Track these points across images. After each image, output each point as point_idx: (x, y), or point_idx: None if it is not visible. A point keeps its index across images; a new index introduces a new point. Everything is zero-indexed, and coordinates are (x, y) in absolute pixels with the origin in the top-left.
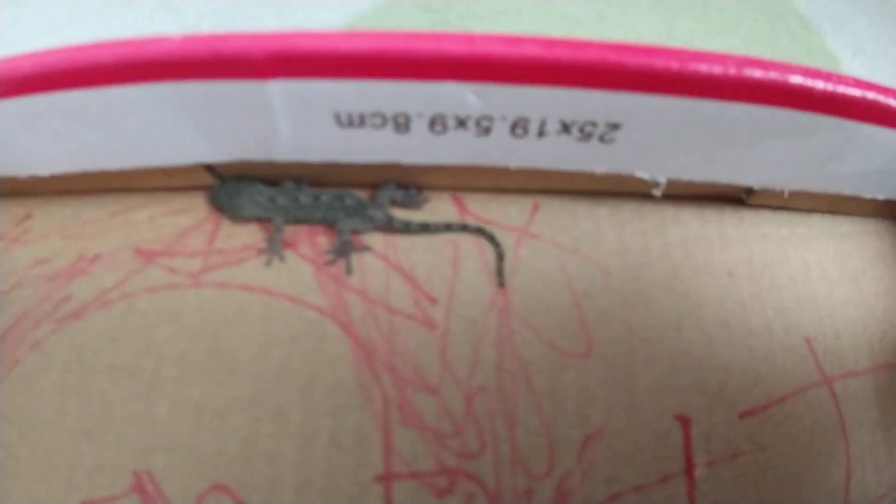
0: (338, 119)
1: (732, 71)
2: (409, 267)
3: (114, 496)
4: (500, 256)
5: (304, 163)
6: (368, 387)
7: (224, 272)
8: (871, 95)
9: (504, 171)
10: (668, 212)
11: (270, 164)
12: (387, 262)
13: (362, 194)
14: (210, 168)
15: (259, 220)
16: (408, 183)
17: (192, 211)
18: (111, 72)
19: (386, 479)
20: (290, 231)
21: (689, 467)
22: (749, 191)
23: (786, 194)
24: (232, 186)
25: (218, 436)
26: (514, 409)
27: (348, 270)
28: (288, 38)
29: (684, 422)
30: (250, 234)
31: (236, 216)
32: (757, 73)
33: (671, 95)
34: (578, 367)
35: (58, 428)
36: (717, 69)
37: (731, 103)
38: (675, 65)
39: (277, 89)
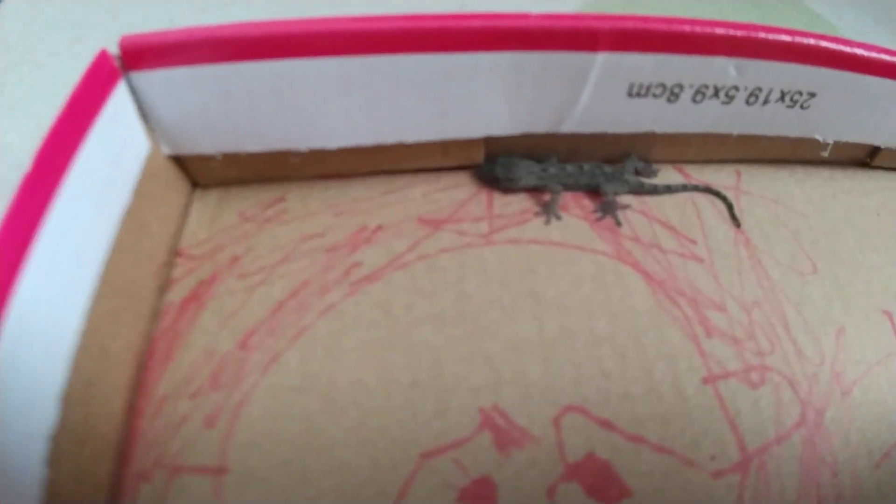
0: (630, 90)
1: (886, 57)
2: (664, 219)
3: (462, 439)
4: (730, 206)
5: (575, 135)
6: (669, 308)
7: (512, 231)
8: None
9: (714, 144)
10: (826, 172)
11: (528, 141)
12: (646, 216)
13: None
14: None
15: (528, 189)
16: (641, 157)
17: (462, 187)
18: (459, 39)
19: (711, 380)
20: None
21: None
22: (872, 154)
23: None
24: (507, 161)
25: (554, 364)
26: (783, 315)
27: (618, 223)
28: (625, 20)
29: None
30: (521, 202)
31: (515, 186)
32: None
33: (850, 71)
34: (812, 282)
35: (376, 383)
36: (876, 54)
37: (884, 79)
38: (860, 51)
39: (602, 60)
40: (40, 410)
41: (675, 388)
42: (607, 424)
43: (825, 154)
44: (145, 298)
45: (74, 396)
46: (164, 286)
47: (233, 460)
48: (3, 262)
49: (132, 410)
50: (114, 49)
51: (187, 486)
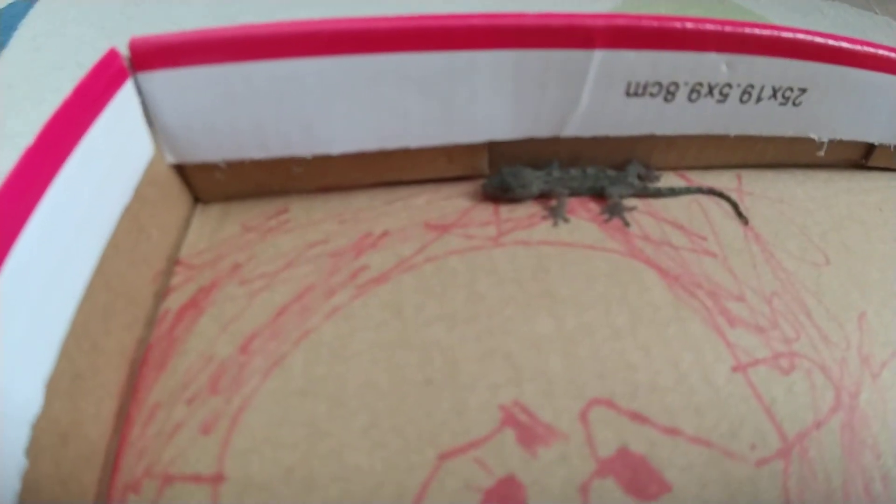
0: (627, 89)
1: (871, 49)
2: (672, 218)
3: (483, 437)
4: (735, 205)
5: (576, 140)
6: (688, 301)
7: (521, 234)
8: None
9: (713, 147)
10: (824, 174)
11: (531, 148)
12: (654, 216)
13: None
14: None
15: (534, 197)
16: (642, 162)
17: (465, 196)
18: (460, 37)
19: (741, 368)
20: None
21: None
22: (867, 155)
23: (892, 148)
24: (513, 171)
25: (576, 358)
26: (803, 303)
27: (627, 224)
28: (619, 17)
29: None
30: (528, 208)
31: (526, 193)
32: (889, 53)
33: (837, 65)
34: (827, 272)
35: (387, 383)
36: (860, 47)
37: (871, 71)
38: (846, 44)
39: (599, 57)
40: (24, 393)
41: (705, 378)
42: (638, 417)
43: (821, 154)
44: (141, 303)
45: (60, 386)
46: (162, 293)
47: (231, 468)
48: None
49: (123, 418)
50: (124, 50)
51: (180, 496)
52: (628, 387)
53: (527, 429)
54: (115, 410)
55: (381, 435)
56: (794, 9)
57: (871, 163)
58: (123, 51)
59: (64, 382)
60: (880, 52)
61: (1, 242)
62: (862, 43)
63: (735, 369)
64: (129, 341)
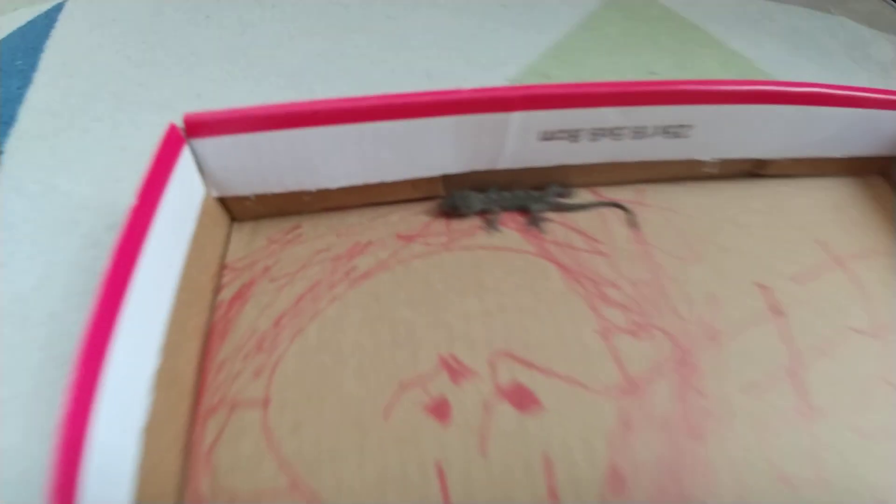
0: (541, 136)
1: (747, 87)
2: (578, 227)
3: (426, 373)
4: (629, 214)
5: (510, 170)
6: (576, 288)
7: (465, 241)
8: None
9: (619, 169)
10: (717, 184)
11: (475, 176)
12: (564, 226)
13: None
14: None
15: (478, 213)
16: (561, 183)
17: (427, 213)
18: (417, 109)
19: (605, 333)
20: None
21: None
22: (761, 165)
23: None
24: (462, 194)
25: (493, 327)
26: (668, 292)
27: (543, 232)
28: (531, 88)
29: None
30: (470, 221)
31: (469, 211)
32: (763, 87)
33: (720, 104)
34: (692, 266)
35: (370, 344)
36: (745, 87)
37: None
38: (727, 87)
39: (517, 118)
40: (149, 357)
41: (578, 340)
42: (528, 363)
43: (713, 170)
44: (205, 297)
45: (168, 349)
46: (217, 289)
47: (273, 397)
48: (120, 272)
49: (202, 370)
50: (179, 122)
51: (243, 416)
52: (524, 344)
53: (454, 370)
54: (196, 367)
55: (364, 373)
56: (742, 18)
57: (765, 172)
58: (178, 122)
59: (171, 345)
60: (762, 87)
61: (124, 273)
62: (744, 83)
63: (600, 333)
64: (200, 322)
